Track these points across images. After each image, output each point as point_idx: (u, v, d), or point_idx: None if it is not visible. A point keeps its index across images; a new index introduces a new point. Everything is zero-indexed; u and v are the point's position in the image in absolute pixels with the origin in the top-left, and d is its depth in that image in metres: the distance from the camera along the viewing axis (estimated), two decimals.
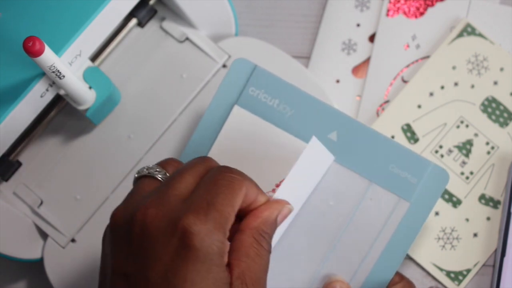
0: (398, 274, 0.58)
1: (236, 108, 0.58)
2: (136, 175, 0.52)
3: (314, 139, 0.54)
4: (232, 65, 0.58)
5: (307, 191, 0.57)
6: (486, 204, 0.68)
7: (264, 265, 0.50)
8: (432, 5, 0.72)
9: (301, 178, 0.55)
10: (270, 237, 0.51)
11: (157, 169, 0.52)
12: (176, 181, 0.50)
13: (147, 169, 0.52)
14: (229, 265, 0.49)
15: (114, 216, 0.50)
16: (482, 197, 0.69)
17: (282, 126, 0.57)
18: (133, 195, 0.51)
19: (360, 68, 0.72)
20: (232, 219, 0.49)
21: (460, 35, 0.70)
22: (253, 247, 0.49)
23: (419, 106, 0.70)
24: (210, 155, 0.58)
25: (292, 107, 0.58)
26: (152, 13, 0.69)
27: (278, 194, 0.53)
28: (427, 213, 0.57)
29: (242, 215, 0.51)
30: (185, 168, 0.51)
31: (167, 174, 0.52)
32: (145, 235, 0.48)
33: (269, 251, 0.50)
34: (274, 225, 0.51)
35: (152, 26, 0.70)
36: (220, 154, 0.57)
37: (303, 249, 0.57)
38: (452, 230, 0.68)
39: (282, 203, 0.52)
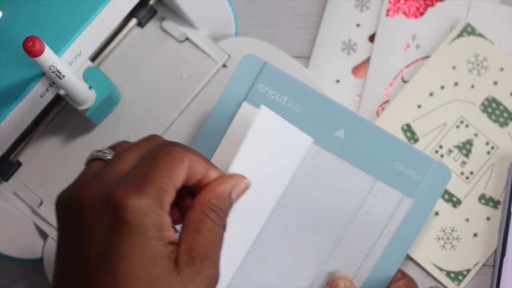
0: (400, 271, 0.58)
1: (245, 105, 0.58)
2: (87, 159, 0.52)
3: (263, 108, 0.54)
4: (241, 62, 0.58)
5: (282, 173, 0.56)
6: (486, 204, 0.69)
7: (215, 240, 0.48)
8: (432, 5, 0.72)
9: (263, 154, 0.54)
10: (223, 212, 0.49)
11: (106, 151, 0.51)
12: (117, 158, 0.49)
13: (96, 152, 0.51)
14: (179, 241, 0.47)
15: (57, 199, 0.49)
16: (482, 197, 0.69)
17: (290, 123, 0.57)
18: (78, 177, 0.50)
19: (360, 68, 0.72)
20: (170, 191, 0.47)
21: (460, 35, 0.70)
22: (202, 222, 0.48)
23: (419, 106, 0.70)
24: (217, 151, 0.57)
25: (301, 104, 0.58)
26: (152, 13, 0.69)
27: (233, 169, 0.52)
28: (429, 210, 0.57)
29: (196, 192, 0.50)
30: (130, 147, 0.50)
31: None
32: (81, 213, 0.47)
33: (223, 227, 0.49)
34: (228, 200, 0.50)
35: (152, 26, 0.70)
36: (228, 150, 0.57)
37: (309, 246, 0.57)
38: (452, 230, 0.68)
39: (235, 177, 0.51)
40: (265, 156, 0.54)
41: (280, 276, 0.57)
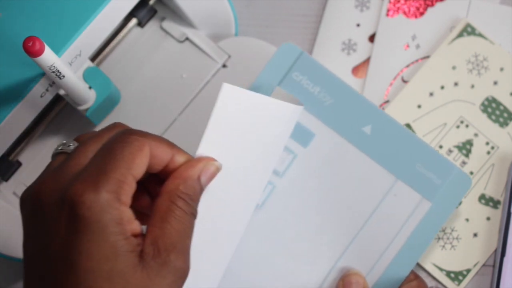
0: (413, 272, 0.58)
1: (278, 89, 0.58)
2: (52, 152, 0.50)
3: (224, 85, 0.53)
4: (279, 49, 0.59)
5: (267, 150, 0.56)
6: (486, 204, 0.68)
7: (183, 229, 0.46)
8: (432, 5, 0.72)
9: (236, 133, 0.53)
10: (192, 198, 0.47)
11: (70, 144, 0.49)
12: (77, 152, 0.47)
13: (61, 145, 0.49)
14: (146, 233, 0.46)
15: (21, 196, 0.48)
16: (482, 197, 0.69)
17: (319, 114, 0.58)
18: (42, 173, 0.48)
19: (360, 68, 0.72)
20: (129, 183, 0.45)
21: (460, 35, 0.70)
22: (169, 210, 0.46)
23: (419, 106, 0.70)
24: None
25: (332, 96, 0.58)
26: (152, 13, 0.69)
27: (200, 152, 0.50)
28: (446, 215, 0.57)
29: (165, 178, 0.48)
30: (90, 138, 0.48)
31: None
32: (41, 211, 0.46)
33: (192, 214, 0.47)
34: (197, 185, 0.48)
35: (152, 26, 0.70)
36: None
37: (326, 236, 0.58)
38: (452, 230, 0.68)
39: (204, 160, 0.49)
40: (240, 135, 0.53)
41: (295, 263, 0.57)
